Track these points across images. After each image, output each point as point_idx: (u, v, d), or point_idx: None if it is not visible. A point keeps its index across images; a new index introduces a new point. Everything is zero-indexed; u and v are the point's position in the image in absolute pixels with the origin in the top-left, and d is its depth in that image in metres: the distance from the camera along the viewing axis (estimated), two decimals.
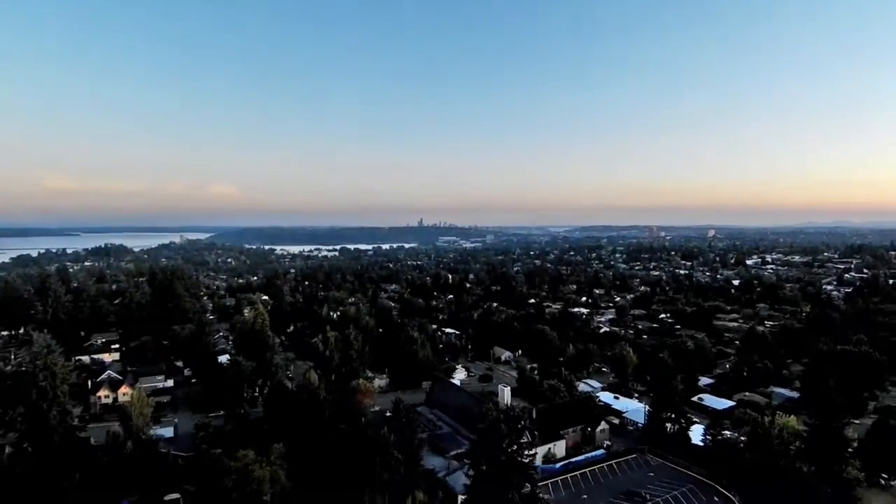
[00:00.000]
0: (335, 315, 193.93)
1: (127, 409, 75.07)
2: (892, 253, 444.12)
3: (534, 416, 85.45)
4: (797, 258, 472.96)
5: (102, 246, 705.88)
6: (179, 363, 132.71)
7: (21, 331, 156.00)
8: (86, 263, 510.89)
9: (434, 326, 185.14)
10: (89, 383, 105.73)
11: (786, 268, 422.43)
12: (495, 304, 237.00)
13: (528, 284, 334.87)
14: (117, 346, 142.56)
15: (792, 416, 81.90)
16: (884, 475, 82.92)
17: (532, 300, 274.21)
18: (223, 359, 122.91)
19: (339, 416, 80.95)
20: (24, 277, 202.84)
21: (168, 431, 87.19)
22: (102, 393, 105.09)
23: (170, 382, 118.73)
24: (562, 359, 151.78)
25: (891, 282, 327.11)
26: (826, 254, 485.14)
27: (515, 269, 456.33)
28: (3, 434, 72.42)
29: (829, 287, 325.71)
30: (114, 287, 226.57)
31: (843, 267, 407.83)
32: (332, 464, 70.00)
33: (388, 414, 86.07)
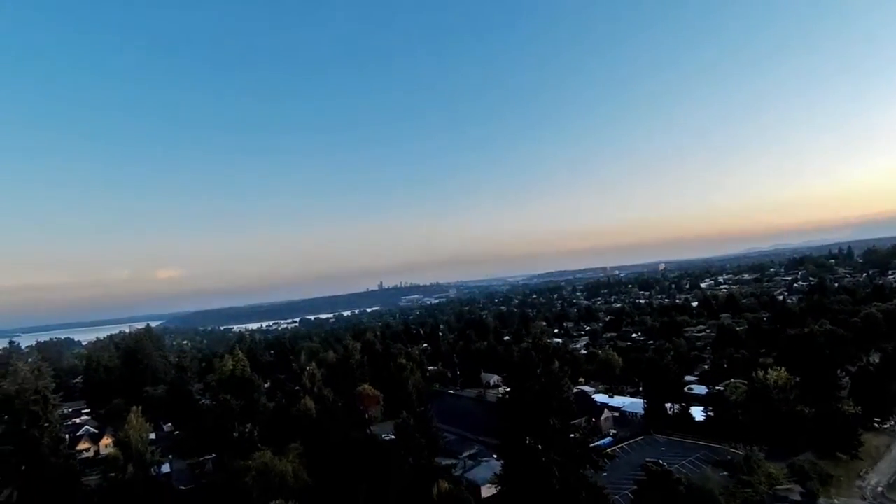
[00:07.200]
0: (312, 367, 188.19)
1: (125, 432, 69.72)
2: (832, 261, 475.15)
3: None
4: (747, 276, 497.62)
5: (49, 340, 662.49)
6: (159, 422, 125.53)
7: None
8: (29, 360, 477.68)
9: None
10: (67, 437, 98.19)
11: (738, 285, 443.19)
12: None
13: (499, 324, 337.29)
14: (87, 410, 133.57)
15: (782, 368, 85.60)
16: (876, 419, 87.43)
17: (507, 337, 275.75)
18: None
19: (349, 424, 78.81)
20: None
21: (164, 468, 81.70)
22: (83, 446, 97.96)
23: (151, 436, 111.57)
24: None
25: (836, 285, 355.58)
26: (772, 269, 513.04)
27: (483, 315, 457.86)
28: None
29: (780, 297, 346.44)
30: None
31: (790, 278, 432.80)
32: (349, 463, 67.88)
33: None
